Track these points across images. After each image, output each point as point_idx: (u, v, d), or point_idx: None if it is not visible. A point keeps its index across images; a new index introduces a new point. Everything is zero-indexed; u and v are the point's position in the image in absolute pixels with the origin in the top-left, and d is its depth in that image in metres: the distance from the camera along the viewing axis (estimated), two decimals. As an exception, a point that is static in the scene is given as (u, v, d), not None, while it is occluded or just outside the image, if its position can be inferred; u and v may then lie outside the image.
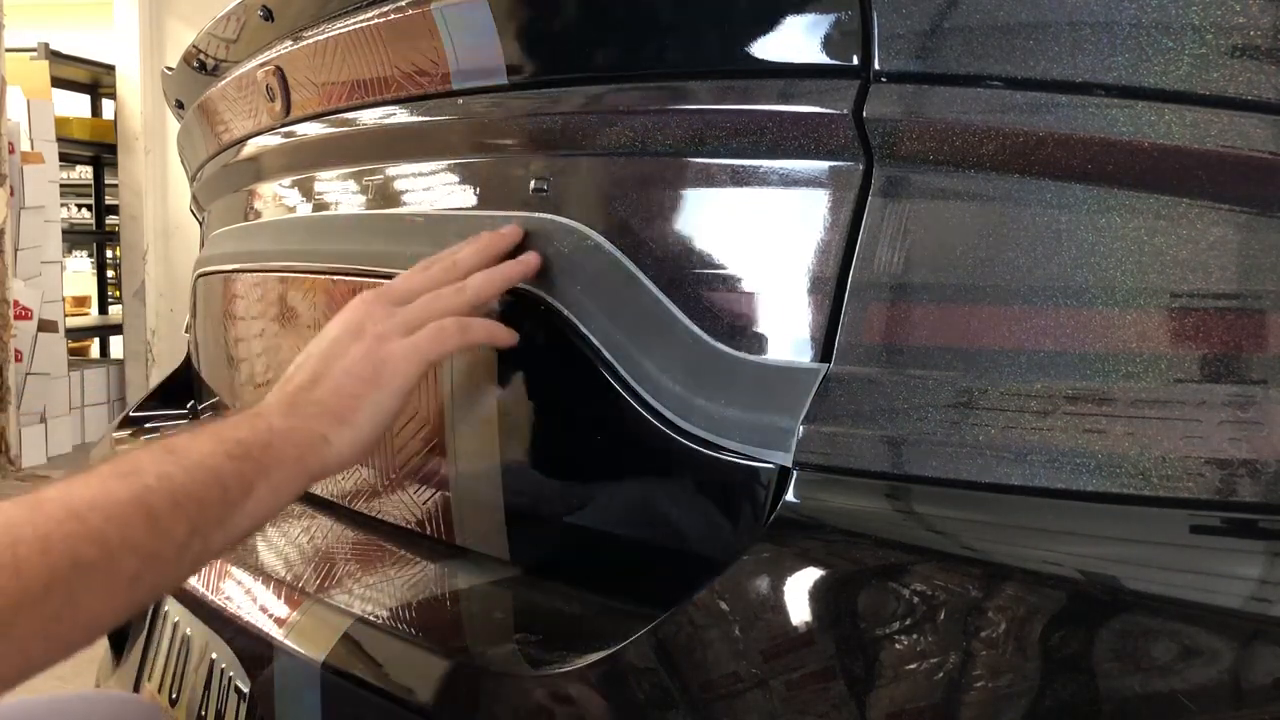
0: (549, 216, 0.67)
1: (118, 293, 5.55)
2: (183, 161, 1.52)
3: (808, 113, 0.56)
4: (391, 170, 0.87)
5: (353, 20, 0.83)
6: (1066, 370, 0.48)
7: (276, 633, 0.72)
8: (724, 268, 0.60)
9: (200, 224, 1.47)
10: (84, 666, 0.83)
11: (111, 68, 4.91)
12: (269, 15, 0.95)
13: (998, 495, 0.48)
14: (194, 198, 1.47)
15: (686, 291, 0.60)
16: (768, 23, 0.57)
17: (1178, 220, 0.47)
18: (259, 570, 0.83)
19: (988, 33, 0.50)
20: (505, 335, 0.68)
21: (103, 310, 6.00)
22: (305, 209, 1.03)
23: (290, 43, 0.94)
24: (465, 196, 0.79)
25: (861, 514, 0.52)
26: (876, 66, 0.52)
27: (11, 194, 4.10)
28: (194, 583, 0.87)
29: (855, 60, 0.52)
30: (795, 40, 0.56)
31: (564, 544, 0.70)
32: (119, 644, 1.09)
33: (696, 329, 0.58)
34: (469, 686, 0.61)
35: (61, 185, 4.74)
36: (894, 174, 0.53)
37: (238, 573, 0.84)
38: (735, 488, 0.56)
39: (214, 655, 0.81)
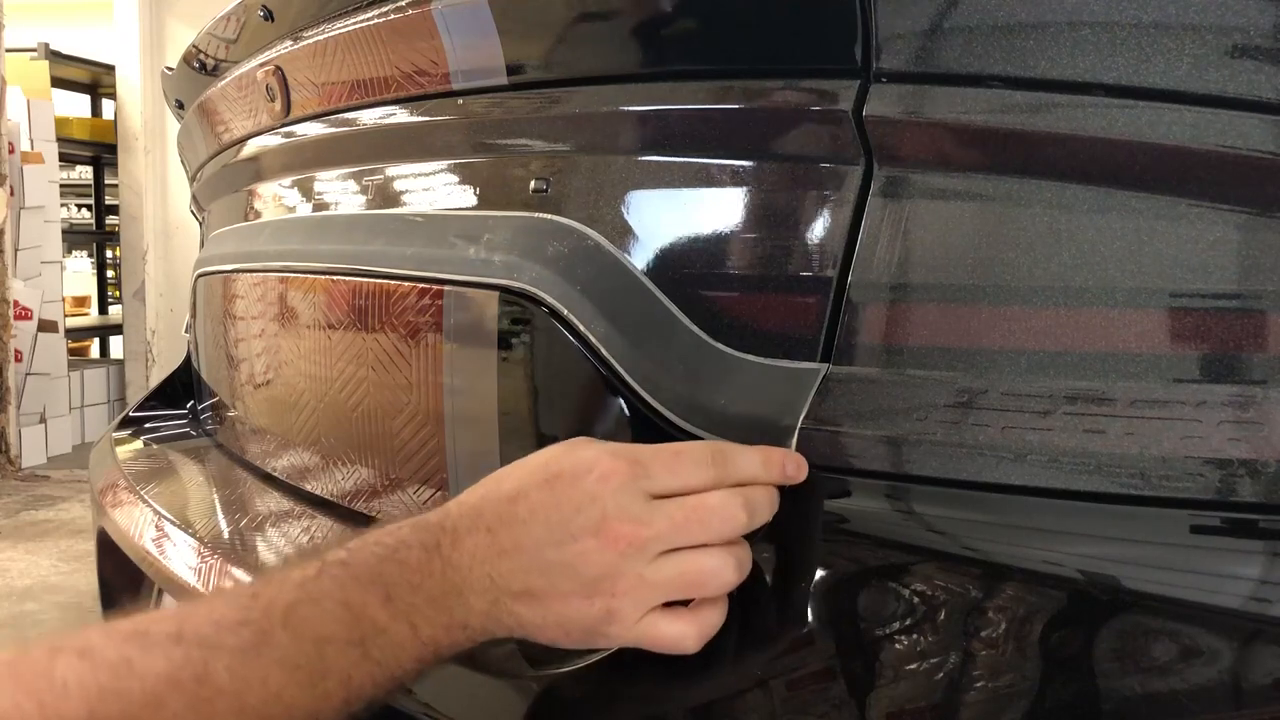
0: (549, 216, 0.67)
1: (118, 293, 5.55)
2: (183, 161, 1.52)
3: (808, 113, 0.56)
4: (391, 170, 0.87)
5: (353, 20, 0.83)
6: (1066, 370, 0.48)
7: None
8: (724, 267, 0.60)
9: (200, 224, 1.47)
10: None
11: (111, 68, 4.91)
12: (269, 15, 0.95)
13: (998, 495, 0.48)
14: (194, 198, 1.47)
15: (686, 291, 0.60)
16: (768, 23, 0.57)
17: (1178, 220, 0.47)
18: (259, 570, 0.83)
19: (988, 33, 0.50)
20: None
21: (103, 310, 6.00)
22: (305, 209, 1.03)
23: (290, 43, 0.94)
24: (465, 196, 0.79)
25: (861, 514, 0.52)
26: (876, 66, 0.52)
27: (11, 194, 4.10)
28: (194, 582, 0.87)
29: (855, 60, 0.52)
30: (795, 40, 0.56)
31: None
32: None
33: (696, 329, 0.58)
34: (469, 686, 0.61)
35: (61, 185, 4.74)
36: (894, 174, 0.53)
37: (237, 573, 0.84)
38: (735, 488, 0.56)
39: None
